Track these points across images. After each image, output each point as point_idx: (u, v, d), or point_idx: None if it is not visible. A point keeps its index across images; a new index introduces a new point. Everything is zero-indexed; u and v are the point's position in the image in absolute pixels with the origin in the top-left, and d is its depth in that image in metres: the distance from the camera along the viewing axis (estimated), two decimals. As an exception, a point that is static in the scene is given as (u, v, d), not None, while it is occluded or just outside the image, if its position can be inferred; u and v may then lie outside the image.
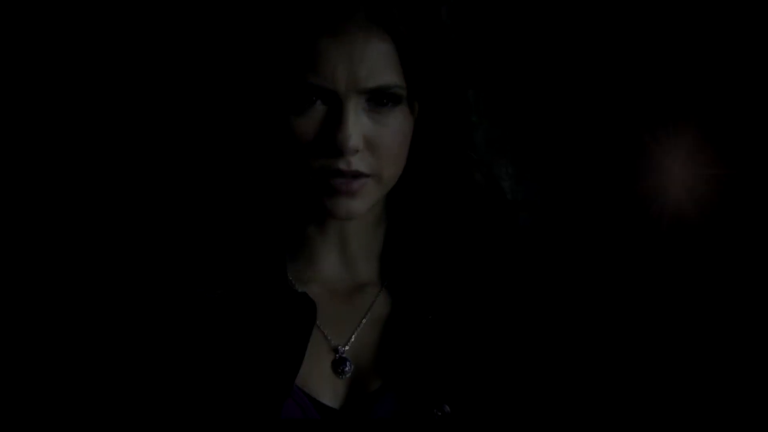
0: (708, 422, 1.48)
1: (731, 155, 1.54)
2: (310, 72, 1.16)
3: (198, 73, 1.48)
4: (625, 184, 1.57)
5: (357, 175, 1.19)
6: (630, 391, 1.48)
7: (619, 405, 1.45)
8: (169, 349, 1.21)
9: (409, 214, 1.30)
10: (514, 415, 1.22)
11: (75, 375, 1.28)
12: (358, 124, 1.17)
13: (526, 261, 1.31)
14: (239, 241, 1.26)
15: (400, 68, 1.18)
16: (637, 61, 1.56)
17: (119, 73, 1.51)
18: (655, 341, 1.52)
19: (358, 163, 1.18)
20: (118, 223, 1.47)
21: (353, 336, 1.27)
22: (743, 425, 1.47)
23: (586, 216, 1.60)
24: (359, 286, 1.30)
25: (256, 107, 1.23)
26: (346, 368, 1.24)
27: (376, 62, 1.17)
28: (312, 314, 1.24)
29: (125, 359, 1.22)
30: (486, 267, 1.28)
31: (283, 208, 1.28)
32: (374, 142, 1.19)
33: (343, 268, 1.30)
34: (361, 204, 1.21)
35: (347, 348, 1.26)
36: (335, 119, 1.17)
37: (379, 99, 1.19)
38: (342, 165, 1.18)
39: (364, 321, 1.27)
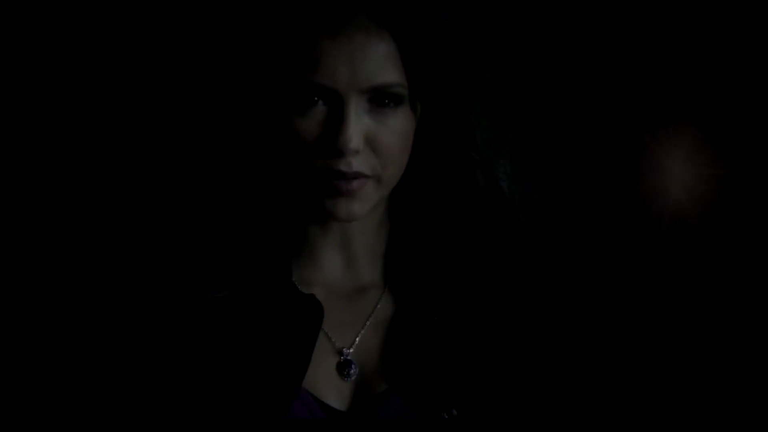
0: (708, 422, 1.48)
1: (731, 155, 1.54)
2: (311, 72, 1.16)
3: (200, 75, 1.47)
4: (625, 184, 1.57)
5: (357, 176, 1.18)
6: (633, 392, 1.48)
7: (623, 405, 1.45)
8: (176, 351, 1.20)
9: (411, 215, 1.30)
10: (521, 418, 1.22)
11: (81, 378, 1.27)
12: (359, 125, 1.17)
13: (529, 262, 1.31)
14: (244, 243, 1.26)
15: (401, 67, 1.18)
16: (637, 61, 1.56)
17: (121, 74, 1.50)
18: (656, 341, 1.52)
19: (359, 164, 1.18)
20: (124, 225, 1.46)
21: (357, 338, 1.26)
22: (743, 425, 1.47)
23: (585, 216, 1.60)
24: (362, 288, 1.29)
25: (258, 107, 1.22)
26: (351, 371, 1.24)
27: (377, 61, 1.16)
28: (319, 316, 1.24)
29: (132, 362, 1.21)
30: (490, 268, 1.28)
31: (286, 210, 1.27)
32: (376, 143, 1.19)
33: (345, 270, 1.29)
34: (362, 206, 1.20)
35: (352, 350, 1.25)
36: (336, 120, 1.17)
37: (380, 99, 1.18)
38: (343, 166, 1.17)
39: (368, 323, 1.27)
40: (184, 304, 1.22)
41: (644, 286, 1.55)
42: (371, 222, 1.29)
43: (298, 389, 1.19)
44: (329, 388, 1.23)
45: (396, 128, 1.20)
